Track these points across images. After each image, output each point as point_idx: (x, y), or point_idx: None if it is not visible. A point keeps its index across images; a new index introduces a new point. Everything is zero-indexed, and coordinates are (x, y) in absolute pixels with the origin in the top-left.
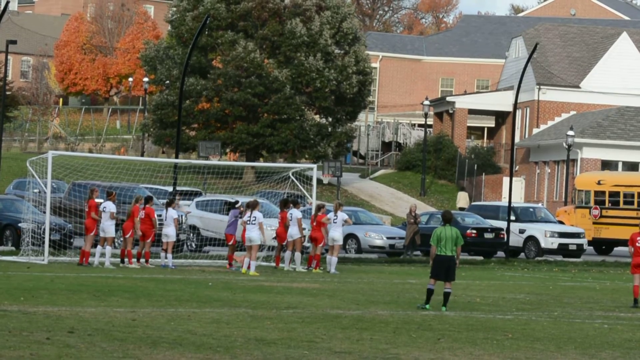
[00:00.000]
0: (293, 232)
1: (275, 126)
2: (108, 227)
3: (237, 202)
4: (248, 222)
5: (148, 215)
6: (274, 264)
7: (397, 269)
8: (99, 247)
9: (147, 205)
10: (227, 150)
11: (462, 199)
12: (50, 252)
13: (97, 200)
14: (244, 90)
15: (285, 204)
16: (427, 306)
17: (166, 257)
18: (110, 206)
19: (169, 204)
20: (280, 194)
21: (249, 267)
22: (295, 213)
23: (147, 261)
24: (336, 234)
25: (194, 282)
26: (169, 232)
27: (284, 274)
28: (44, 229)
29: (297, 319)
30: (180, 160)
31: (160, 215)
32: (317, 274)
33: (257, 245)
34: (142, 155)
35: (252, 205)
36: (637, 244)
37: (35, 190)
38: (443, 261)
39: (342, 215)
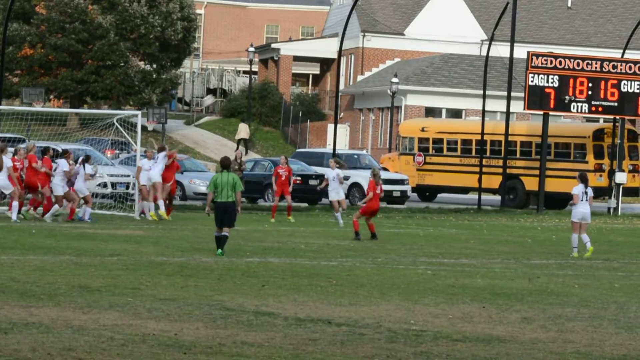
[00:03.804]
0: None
1: (100, 72)
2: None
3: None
4: None
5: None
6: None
7: None
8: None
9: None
10: (51, 96)
11: (242, 130)
12: None
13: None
14: (68, 36)
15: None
16: (220, 252)
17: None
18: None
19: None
20: (105, 141)
21: None
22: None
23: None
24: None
25: (17, 230)
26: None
27: (108, 221)
28: None
29: (121, 266)
30: (3, 107)
31: None
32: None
33: None
34: None
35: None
36: (374, 191)
37: None
38: (221, 207)
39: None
